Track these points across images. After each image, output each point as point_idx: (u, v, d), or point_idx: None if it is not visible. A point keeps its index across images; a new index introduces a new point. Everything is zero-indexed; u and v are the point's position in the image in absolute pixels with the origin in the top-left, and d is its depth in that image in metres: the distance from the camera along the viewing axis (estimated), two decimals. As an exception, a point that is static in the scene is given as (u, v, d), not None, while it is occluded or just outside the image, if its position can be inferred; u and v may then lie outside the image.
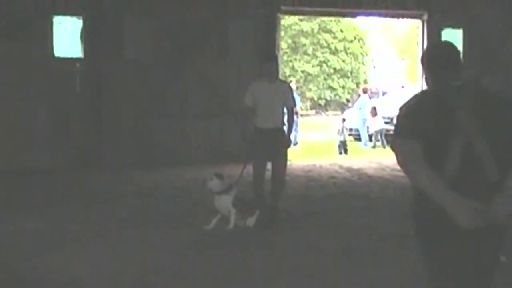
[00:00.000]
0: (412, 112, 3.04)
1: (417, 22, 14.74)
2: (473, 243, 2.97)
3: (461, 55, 3.20)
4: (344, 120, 17.34)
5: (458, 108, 2.93)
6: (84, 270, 5.67)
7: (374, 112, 17.69)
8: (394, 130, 3.10)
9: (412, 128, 2.95)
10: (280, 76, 10.87)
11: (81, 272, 5.60)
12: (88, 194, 9.54)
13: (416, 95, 3.21)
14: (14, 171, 11.21)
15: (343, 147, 16.27)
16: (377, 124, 17.64)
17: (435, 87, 3.14)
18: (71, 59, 12.59)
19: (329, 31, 33.56)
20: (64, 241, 6.73)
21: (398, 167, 3.13)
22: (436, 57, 3.18)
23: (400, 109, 3.13)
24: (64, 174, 11.42)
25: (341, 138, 16.40)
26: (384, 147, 17.03)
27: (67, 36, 12.68)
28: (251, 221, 7.24)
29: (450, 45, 3.26)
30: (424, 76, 3.29)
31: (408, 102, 3.14)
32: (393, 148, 3.04)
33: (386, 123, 17.37)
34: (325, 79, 33.79)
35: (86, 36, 12.58)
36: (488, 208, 2.86)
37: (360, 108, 18.49)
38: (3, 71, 11.83)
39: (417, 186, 2.97)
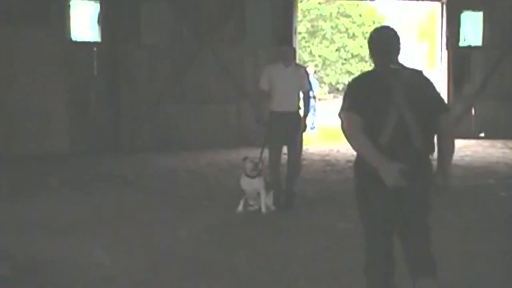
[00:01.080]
0: (356, 89, 3.66)
1: (437, 5, 14.54)
2: (398, 199, 3.55)
3: (400, 41, 3.67)
4: None
5: (393, 87, 3.50)
6: (100, 253, 5.69)
7: None
8: (341, 104, 3.64)
9: (355, 103, 3.56)
10: (298, 61, 10.79)
11: (97, 255, 5.62)
12: (104, 178, 9.57)
13: (361, 75, 3.81)
14: (31, 155, 11.28)
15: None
16: None
17: (377, 68, 3.65)
18: (89, 43, 12.60)
19: (348, 16, 33.26)
20: (80, 224, 6.77)
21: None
22: (379, 42, 3.67)
23: (347, 86, 3.74)
24: (81, 158, 11.47)
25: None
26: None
27: (84, 20, 12.67)
28: (269, 200, 7.30)
29: (391, 31, 3.71)
30: (370, 57, 3.76)
31: (354, 80, 3.78)
32: (340, 119, 3.63)
33: None
34: (343, 64, 33.55)
35: (104, 20, 12.57)
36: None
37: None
38: (21, 55, 11.86)
39: (356, 151, 3.58)
